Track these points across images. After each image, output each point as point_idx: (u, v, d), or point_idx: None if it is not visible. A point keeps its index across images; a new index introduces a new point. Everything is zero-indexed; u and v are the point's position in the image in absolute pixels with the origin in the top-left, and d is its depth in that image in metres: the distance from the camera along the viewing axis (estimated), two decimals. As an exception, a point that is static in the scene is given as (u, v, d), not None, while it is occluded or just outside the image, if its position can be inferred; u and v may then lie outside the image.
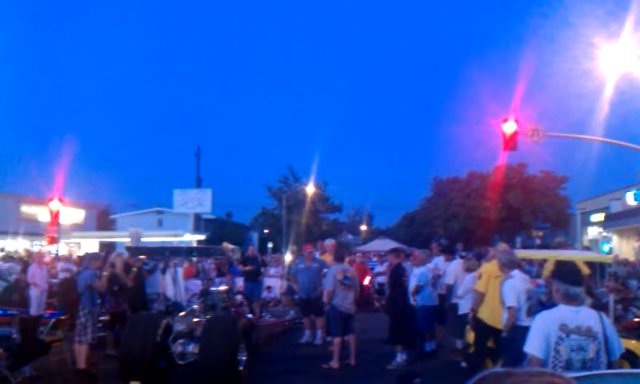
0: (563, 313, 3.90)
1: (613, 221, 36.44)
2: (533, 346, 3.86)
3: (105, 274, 10.46)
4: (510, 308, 7.30)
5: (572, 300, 3.92)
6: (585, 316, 3.90)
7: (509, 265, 7.76)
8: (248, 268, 15.99)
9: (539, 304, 11.62)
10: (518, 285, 7.44)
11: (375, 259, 26.63)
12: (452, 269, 11.15)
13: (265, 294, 18.48)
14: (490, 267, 9.10)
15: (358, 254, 25.03)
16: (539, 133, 17.88)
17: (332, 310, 10.52)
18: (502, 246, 9.36)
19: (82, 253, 26.12)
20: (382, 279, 18.66)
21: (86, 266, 10.51)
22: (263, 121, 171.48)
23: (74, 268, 16.67)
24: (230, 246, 29.84)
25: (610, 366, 3.85)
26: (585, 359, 3.80)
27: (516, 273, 7.67)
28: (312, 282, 12.54)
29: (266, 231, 61.51)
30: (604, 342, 3.84)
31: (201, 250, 12.49)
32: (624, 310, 11.57)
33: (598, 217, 39.94)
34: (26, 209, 40.13)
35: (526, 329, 7.22)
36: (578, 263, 8.40)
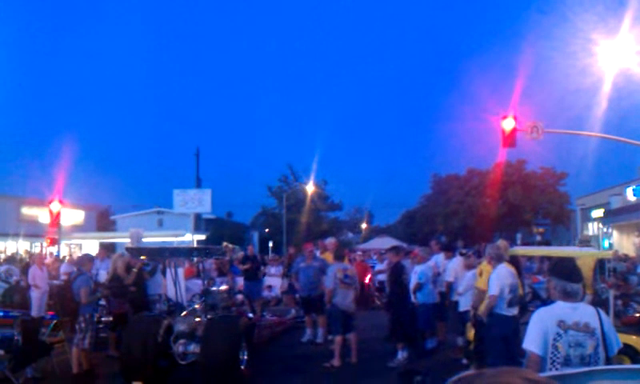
0: (561, 309, 3.91)
1: (613, 216, 36.48)
2: (531, 343, 3.87)
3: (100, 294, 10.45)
4: (491, 296, 7.73)
5: (570, 296, 3.94)
6: (583, 312, 3.91)
7: (496, 258, 8.13)
8: (246, 266, 16.07)
9: (539, 300, 11.69)
10: (503, 277, 7.81)
11: (375, 257, 26.61)
12: (452, 266, 11.18)
13: (266, 293, 18.51)
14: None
15: (358, 253, 25.05)
16: (538, 129, 17.90)
17: (333, 309, 10.55)
18: (503, 243, 9.37)
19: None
20: (382, 277, 18.68)
21: (79, 269, 10.38)
22: (263, 120, 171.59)
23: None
24: (230, 246, 29.85)
25: (608, 361, 3.86)
26: (583, 355, 3.82)
27: (502, 266, 8.00)
28: (313, 281, 12.54)
29: (266, 230, 61.57)
30: (602, 337, 3.86)
31: (201, 250, 12.50)
32: (624, 306, 11.62)
33: (598, 212, 39.97)
34: (27, 210, 40.19)
35: (504, 317, 7.69)
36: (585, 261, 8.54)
